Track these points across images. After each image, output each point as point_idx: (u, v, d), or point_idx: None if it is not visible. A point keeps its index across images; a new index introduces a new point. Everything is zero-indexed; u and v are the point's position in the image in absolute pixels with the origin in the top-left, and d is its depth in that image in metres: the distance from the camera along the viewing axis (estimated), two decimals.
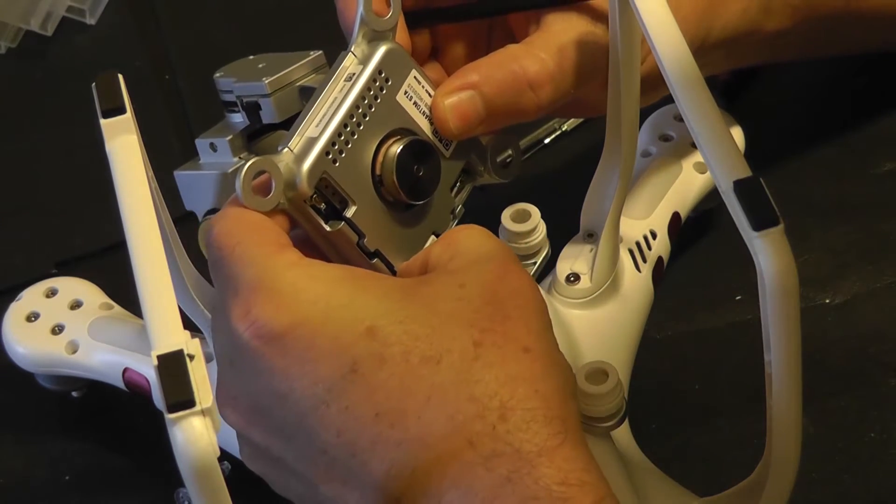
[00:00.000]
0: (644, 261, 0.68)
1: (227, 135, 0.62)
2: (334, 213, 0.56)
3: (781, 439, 0.52)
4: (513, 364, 0.49)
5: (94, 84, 0.52)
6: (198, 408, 0.41)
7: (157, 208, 0.49)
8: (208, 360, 0.48)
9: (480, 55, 0.60)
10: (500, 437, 0.47)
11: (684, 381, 0.69)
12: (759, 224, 0.46)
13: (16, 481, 0.71)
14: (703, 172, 0.72)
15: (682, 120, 0.61)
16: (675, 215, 0.71)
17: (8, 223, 0.84)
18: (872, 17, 0.73)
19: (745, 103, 0.80)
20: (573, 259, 0.66)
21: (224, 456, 0.48)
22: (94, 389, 0.73)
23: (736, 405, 0.67)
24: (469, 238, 0.54)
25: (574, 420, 0.50)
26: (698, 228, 0.75)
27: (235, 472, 0.57)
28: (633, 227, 0.69)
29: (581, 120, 0.82)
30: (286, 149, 0.55)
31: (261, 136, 0.63)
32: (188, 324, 0.56)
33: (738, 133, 0.72)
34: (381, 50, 0.57)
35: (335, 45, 0.58)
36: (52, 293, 0.73)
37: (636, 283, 0.67)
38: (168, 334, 0.43)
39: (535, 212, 0.64)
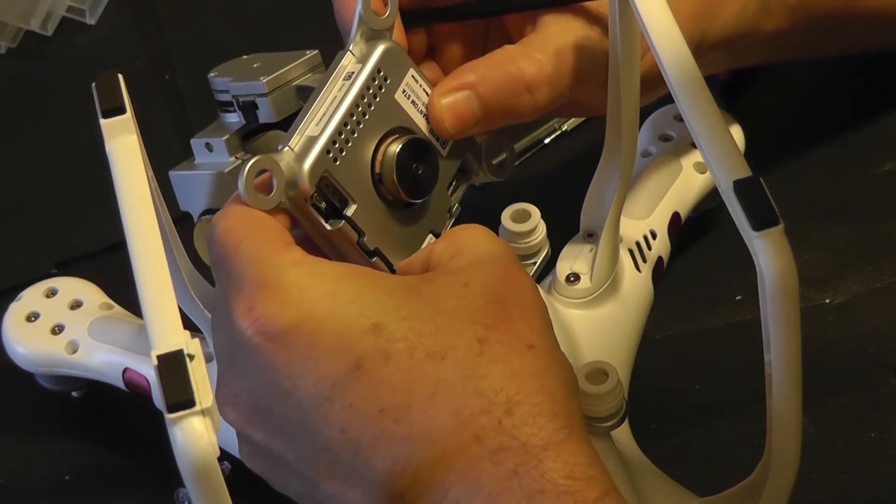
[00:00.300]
0: (644, 261, 0.68)
1: (223, 135, 0.62)
2: (334, 212, 0.56)
3: (781, 439, 0.52)
4: (517, 360, 0.49)
5: (94, 84, 0.52)
6: (198, 408, 0.41)
7: (157, 208, 0.49)
8: (208, 360, 0.48)
9: (477, 55, 0.61)
10: (506, 432, 0.47)
11: (684, 381, 0.69)
12: (759, 224, 0.46)
13: (16, 481, 0.71)
14: (703, 172, 0.72)
15: (682, 120, 0.61)
16: (675, 215, 0.71)
17: (8, 223, 0.84)
18: (870, 17, 0.73)
19: (745, 103, 0.80)
20: (573, 259, 0.66)
21: (224, 456, 0.48)
22: (94, 389, 0.73)
23: (736, 405, 0.67)
24: (472, 238, 0.54)
25: (578, 416, 0.50)
26: (698, 228, 0.75)
27: (235, 472, 0.57)
28: (633, 227, 0.69)
29: (581, 120, 0.82)
30: (287, 147, 0.55)
31: (255, 135, 0.63)
32: (188, 324, 0.56)
33: (738, 133, 0.72)
34: (380, 49, 0.57)
35: (335, 45, 0.58)
36: (52, 293, 0.73)
37: (636, 283, 0.67)
38: (168, 334, 0.43)
39: (535, 212, 0.64)
